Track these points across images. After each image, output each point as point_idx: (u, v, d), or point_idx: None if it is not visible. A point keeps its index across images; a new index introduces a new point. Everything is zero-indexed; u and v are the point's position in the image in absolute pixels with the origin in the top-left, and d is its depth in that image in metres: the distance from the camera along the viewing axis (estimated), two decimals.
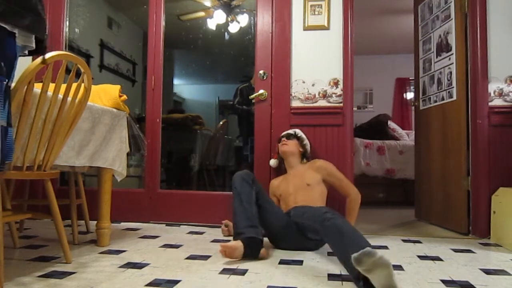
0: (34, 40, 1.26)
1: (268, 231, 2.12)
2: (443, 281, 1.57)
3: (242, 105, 4.18)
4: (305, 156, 2.54)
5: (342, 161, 2.67)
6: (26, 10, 1.13)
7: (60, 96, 1.65)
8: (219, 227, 2.61)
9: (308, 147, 2.56)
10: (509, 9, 2.62)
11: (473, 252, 2.12)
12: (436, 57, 3.03)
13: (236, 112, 4.46)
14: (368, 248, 1.33)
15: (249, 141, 4.26)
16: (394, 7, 4.92)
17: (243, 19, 4.17)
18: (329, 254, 2.01)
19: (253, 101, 2.87)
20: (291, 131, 2.58)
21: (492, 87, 2.61)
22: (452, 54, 2.80)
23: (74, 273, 1.62)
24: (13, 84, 1.45)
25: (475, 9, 2.63)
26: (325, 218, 1.71)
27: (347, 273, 1.65)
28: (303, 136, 2.57)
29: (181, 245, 2.19)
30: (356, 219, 2.34)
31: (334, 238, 1.65)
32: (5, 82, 1.02)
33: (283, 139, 2.54)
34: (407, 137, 5.08)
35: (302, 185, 2.34)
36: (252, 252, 1.85)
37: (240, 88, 4.25)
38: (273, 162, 2.67)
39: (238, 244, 1.84)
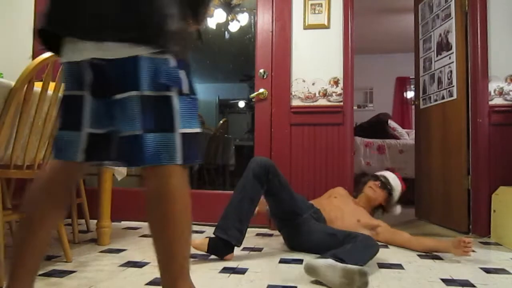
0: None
1: (279, 217, 2.08)
2: (444, 280, 1.57)
3: None
4: (382, 208, 2.40)
5: (342, 160, 2.67)
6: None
7: (60, 95, 1.65)
8: None
9: (391, 206, 2.39)
10: (510, 8, 2.62)
11: (473, 251, 2.12)
12: (437, 56, 3.03)
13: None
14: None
15: None
16: (395, 6, 4.91)
17: (243, 18, 4.16)
18: None
19: (253, 100, 2.87)
20: (393, 183, 2.37)
21: (493, 86, 2.61)
22: (453, 53, 2.79)
23: (74, 272, 1.62)
24: (13, 83, 1.45)
25: (475, 8, 2.63)
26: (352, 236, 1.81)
27: None
28: (397, 194, 2.38)
29: None
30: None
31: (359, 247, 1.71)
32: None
33: (377, 182, 2.37)
34: (407, 136, 5.08)
35: (352, 218, 2.20)
36: (214, 253, 1.85)
37: None
38: None
39: (204, 242, 1.84)
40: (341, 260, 1.50)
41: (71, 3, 0.98)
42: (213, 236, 1.86)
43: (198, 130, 1.03)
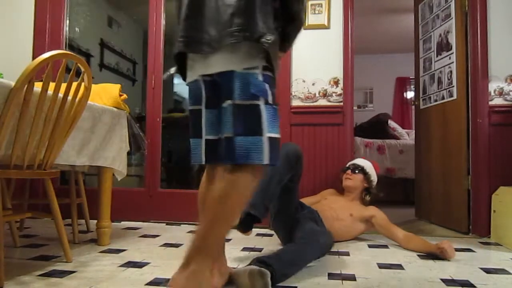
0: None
1: (281, 215, 2.06)
2: (443, 280, 1.57)
3: None
4: (369, 191, 2.43)
5: (342, 161, 2.67)
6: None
7: (60, 95, 1.65)
8: None
9: (374, 182, 2.43)
10: (510, 8, 2.62)
11: (473, 251, 2.12)
12: (437, 56, 3.03)
13: None
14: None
15: None
16: (395, 6, 4.91)
17: None
18: (329, 253, 2.01)
19: None
20: (360, 163, 2.43)
21: (493, 86, 2.61)
22: (452, 53, 2.79)
23: (74, 272, 1.62)
24: (13, 83, 1.45)
25: (475, 8, 2.63)
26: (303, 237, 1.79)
27: (347, 272, 1.66)
28: (372, 171, 2.43)
29: (181, 244, 2.19)
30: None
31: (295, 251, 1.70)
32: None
33: (348, 171, 2.41)
34: (407, 136, 5.08)
35: (345, 212, 2.26)
36: (240, 226, 1.79)
37: None
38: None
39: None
40: (265, 264, 1.46)
41: (189, 24, 1.19)
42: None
43: (278, 135, 1.19)
